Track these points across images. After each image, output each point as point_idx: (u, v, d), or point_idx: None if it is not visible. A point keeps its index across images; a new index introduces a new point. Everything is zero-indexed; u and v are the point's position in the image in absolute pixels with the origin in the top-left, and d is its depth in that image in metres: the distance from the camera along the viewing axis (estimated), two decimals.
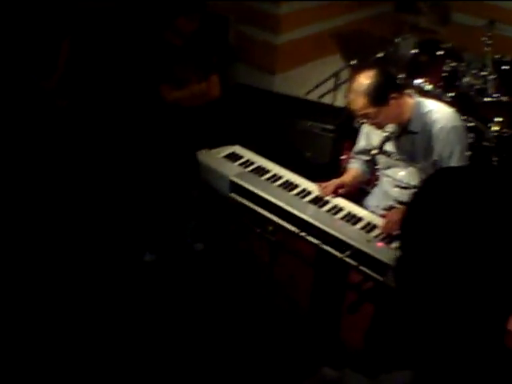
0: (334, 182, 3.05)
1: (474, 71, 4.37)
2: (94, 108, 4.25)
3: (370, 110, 2.75)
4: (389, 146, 2.97)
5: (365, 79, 2.74)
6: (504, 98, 4.23)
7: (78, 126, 4.02)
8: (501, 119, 4.22)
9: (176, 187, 3.66)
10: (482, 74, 4.30)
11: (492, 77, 4.25)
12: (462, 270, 0.89)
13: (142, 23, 3.93)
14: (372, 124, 2.87)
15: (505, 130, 4.21)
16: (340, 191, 3.02)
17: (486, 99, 4.23)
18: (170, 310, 3.40)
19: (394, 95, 2.76)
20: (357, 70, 2.99)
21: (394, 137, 2.94)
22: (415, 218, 0.95)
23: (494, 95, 4.21)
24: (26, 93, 3.75)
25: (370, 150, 2.95)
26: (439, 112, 2.84)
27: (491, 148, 3.92)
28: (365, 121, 2.89)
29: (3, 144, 3.77)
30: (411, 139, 2.89)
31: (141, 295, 3.47)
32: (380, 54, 4.42)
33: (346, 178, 3.13)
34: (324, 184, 3.03)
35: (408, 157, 2.93)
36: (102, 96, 4.29)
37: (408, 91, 2.93)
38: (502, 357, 0.95)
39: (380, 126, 2.86)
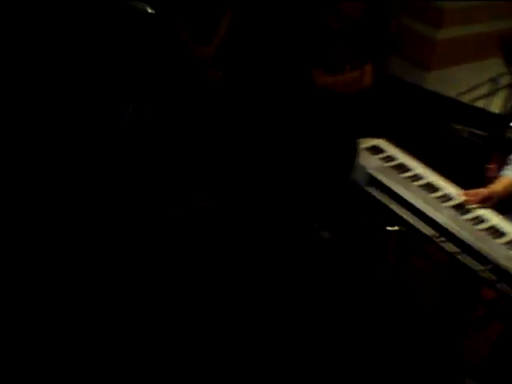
0: (483, 191, 2.88)
1: None
2: (244, 83, 4.30)
3: None
4: None
5: None
6: None
7: (227, 100, 4.07)
8: None
9: (327, 174, 3.63)
10: None
11: None
12: None
13: (305, 3, 3.93)
14: None
15: None
16: (489, 203, 2.85)
17: None
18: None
19: None
20: None
21: None
22: None
23: None
24: (180, 59, 3.85)
25: None
26: None
27: None
28: None
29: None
30: None
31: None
32: None
33: (497, 187, 2.92)
34: (471, 192, 2.87)
35: None
36: (254, 72, 4.33)
37: None
38: None
39: None
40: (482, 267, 2.50)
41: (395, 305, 3.14)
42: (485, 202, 2.81)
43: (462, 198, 2.84)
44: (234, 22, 3.90)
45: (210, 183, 4.05)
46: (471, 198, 2.81)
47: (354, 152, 3.10)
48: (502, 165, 3.14)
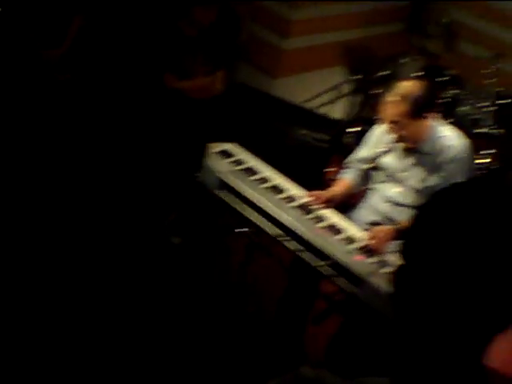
0: (324, 193, 3.05)
1: (473, 101, 4.42)
2: (94, 86, 4.22)
3: (404, 120, 2.74)
4: (390, 161, 2.98)
5: (413, 87, 2.73)
6: (498, 132, 4.28)
7: (77, 101, 3.98)
8: (491, 151, 4.28)
9: (175, 175, 3.63)
10: (481, 105, 4.35)
11: (490, 109, 4.30)
12: (458, 280, 0.91)
13: (158, 9, 3.93)
14: (396, 133, 2.84)
15: (493, 163, 4.27)
16: (331, 205, 3.02)
17: (480, 130, 4.28)
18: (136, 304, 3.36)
19: (427, 114, 2.77)
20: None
21: (399, 153, 2.95)
22: (420, 230, 0.98)
23: (490, 127, 4.26)
24: (28, 61, 3.73)
25: (371, 161, 2.96)
26: (453, 140, 2.85)
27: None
28: (391, 127, 2.84)
29: None
30: (418, 159, 2.90)
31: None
32: (384, 73, 4.44)
33: (337, 189, 3.11)
34: (315, 193, 3.02)
35: (408, 175, 2.94)
36: (105, 76, 4.27)
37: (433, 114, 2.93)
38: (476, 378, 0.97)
39: (400, 139, 2.85)
40: (321, 263, 2.65)
41: (242, 305, 3.23)
42: (326, 203, 2.99)
43: (306, 200, 3.00)
44: (85, 25, 3.84)
45: None
46: (315, 200, 2.98)
47: (201, 156, 3.16)
48: (340, 168, 3.36)
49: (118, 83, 4.14)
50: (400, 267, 1.01)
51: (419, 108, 2.71)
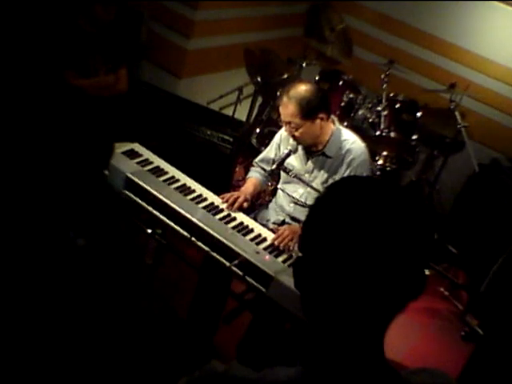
0: (237, 194, 3.08)
1: (369, 105, 4.64)
2: None
3: (296, 120, 2.85)
4: (295, 163, 3.08)
5: (303, 90, 2.84)
6: (392, 134, 4.52)
7: None
8: (386, 153, 4.51)
9: (78, 173, 3.53)
10: (377, 108, 4.57)
11: (385, 113, 4.53)
12: (355, 273, 0.96)
13: (56, 5, 3.80)
14: (291, 134, 2.95)
15: (388, 164, 4.50)
16: (245, 205, 3.06)
17: (376, 133, 4.50)
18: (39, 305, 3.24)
19: (322, 116, 2.89)
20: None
21: (305, 155, 3.06)
22: (316, 224, 1.02)
23: (384, 130, 4.49)
24: None
25: (275, 162, 3.03)
26: (354, 144, 2.99)
27: None
28: (287, 128, 2.96)
29: None
30: (322, 161, 3.03)
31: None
32: (285, 76, 4.56)
33: (247, 189, 3.17)
34: (227, 195, 3.05)
35: (311, 177, 3.05)
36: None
37: (332, 118, 3.05)
38: (380, 368, 1.03)
39: (297, 139, 2.95)
40: (232, 262, 2.67)
41: (151, 306, 3.20)
42: (240, 204, 3.03)
43: (219, 202, 3.02)
44: None
45: None
46: (228, 201, 3.01)
47: (107, 156, 3.10)
48: (247, 167, 3.42)
49: (15, 80, 3.96)
50: (297, 259, 1.06)
51: (309, 109, 2.84)
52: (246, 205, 3.06)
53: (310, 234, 1.03)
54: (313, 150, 3.04)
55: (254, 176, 3.27)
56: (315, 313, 1.04)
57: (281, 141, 3.18)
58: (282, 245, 2.81)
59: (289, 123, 2.90)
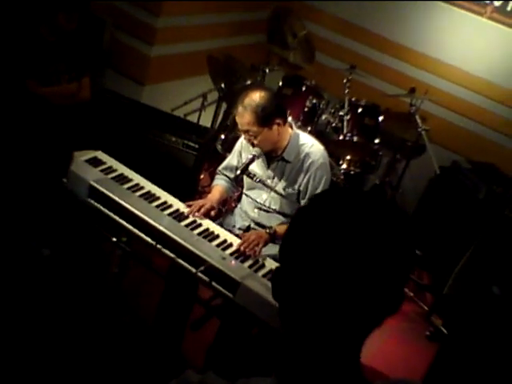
0: (204, 202, 3.08)
1: (332, 110, 4.69)
2: None
3: (253, 128, 2.87)
4: (257, 169, 3.09)
5: (257, 98, 2.85)
6: (355, 139, 4.58)
7: None
8: (349, 157, 4.56)
9: (39, 184, 3.48)
10: (339, 113, 4.62)
11: (347, 117, 4.58)
12: (333, 286, 0.96)
13: (18, 13, 3.76)
14: (250, 142, 2.97)
15: (352, 168, 4.56)
16: (212, 213, 3.06)
17: (339, 137, 4.55)
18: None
19: (278, 121, 2.91)
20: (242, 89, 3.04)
21: (265, 161, 3.08)
22: (295, 237, 1.02)
23: (347, 135, 4.54)
24: None
25: (238, 169, 3.04)
26: (312, 147, 3.03)
27: (337, 183, 4.21)
28: (245, 136, 2.98)
29: None
30: (282, 166, 3.05)
31: None
32: (248, 82, 4.58)
33: (214, 196, 3.17)
34: (195, 204, 3.04)
35: (273, 182, 3.07)
36: None
37: (289, 122, 3.08)
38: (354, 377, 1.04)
39: (256, 146, 2.97)
40: (198, 269, 2.67)
41: (118, 314, 3.17)
42: (206, 210, 3.03)
43: (185, 208, 3.01)
44: None
45: None
46: (195, 210, 3.00)
47: (66, 164, 3.08)
48: (212, 174, 3.42)
49: None
50: (276, 270, 1.06)
51: (264, 117, 2.85)
52: (213, 213, 3.06)
53: (290, 246, 1.02)
54: (272, 156, 3.07)
55: (220, 183, 3.28)
56: (292, 324, 1.03)
57: (242, 148, 3.20)
58: (247, 250, 2.82)
59: (247, 132, 2.92)
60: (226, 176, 3.28)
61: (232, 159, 3.27)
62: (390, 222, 0.99)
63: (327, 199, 1.04)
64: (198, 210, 2.99)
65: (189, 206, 3.02)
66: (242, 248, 2.83)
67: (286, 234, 1.05)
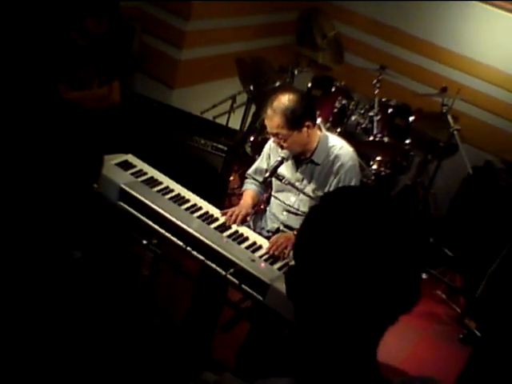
0: (238, 209, 3.07)
1: (361, 111, 4.65)
2: None
3: (283, 131, 2.85)
4: (285, 171, 3.08)
5: (286, 100, 2.83)
6: (386, 139, 4.53)
7: None
8: (380, 158, 4.52)
9: (72, 188, 3.53)
10: (369, 114, 4.58)
11: (377, 118, 4.54)
12: (347, 283, 0.96)
13: (48, 17, 3.82)
14: (279, 145, 2.96)
15: (382, 169, 4.52)
16: (248, 219, 3.08)
17: (369, 138, 4.51)
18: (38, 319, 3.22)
19: (308, 123, 2.89)
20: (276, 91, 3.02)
21: (294, 163, 3.06)
22: (309, 234, 1.03)
23: (378, 135, 4.51)
24: None
25: (269, 171, 3.03)
26: (342, 149, 3.00)
27: (368, 185, 4.18)
28: (275, 139, 2.97)
29: None
30: (311, 169, 3.03)
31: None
32: (277, 83, 4.58)
33: (246, 202, 3.17)
34: (229, 212, 3.04)
35: (302, 184, 3.06)
36: None
37: (318, 124, 3.05)
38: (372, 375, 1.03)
39: (285, 149, 2.96)
40: (227, 271, 2.68)
41: (148, 317, 3.19)
42: (242, 218, 3.03)
43: (214, 211, 3.02)
44: None
45: None
46: (231, 218, 3.00)
47: (98, 168, 3.11)
48: (242, 176, 3.43)
49: (7, 93, 3.97)
50: (291, 268, 1.06)
51: (294, 120, 2.84)
52: (248, 219, 3.08)
53: (304, 244, 1.03)
54: (301, 158, 3.05)
55: (250, 188, 3.28)
56: (307, 322, 1.04)
57: (270, 150, 3.20)
58: (276, 252, 2.82)
59: (276, 135, 2.90)
60: (256, 180, 3.28)
61: (261, 162, 3.26)
62: (402, 218, 1.00)
63: (339, 198, 1.04)
64: (235, 220, 2.99)
65: (224, 214, 3.03)
66: (271, 250, 2.83)
67: (299, 232, 1.05)
